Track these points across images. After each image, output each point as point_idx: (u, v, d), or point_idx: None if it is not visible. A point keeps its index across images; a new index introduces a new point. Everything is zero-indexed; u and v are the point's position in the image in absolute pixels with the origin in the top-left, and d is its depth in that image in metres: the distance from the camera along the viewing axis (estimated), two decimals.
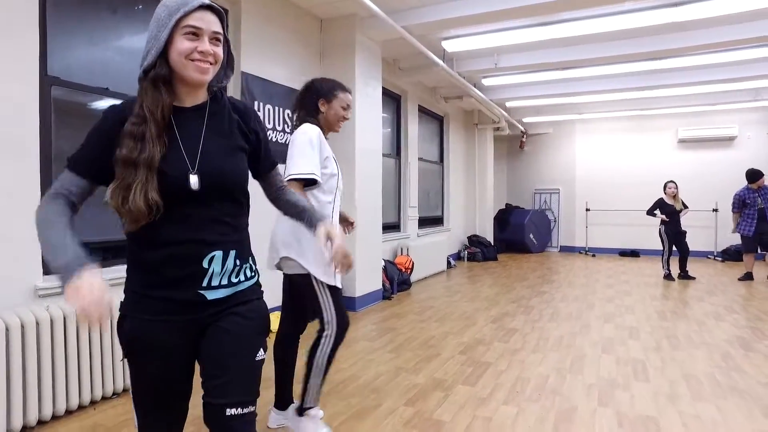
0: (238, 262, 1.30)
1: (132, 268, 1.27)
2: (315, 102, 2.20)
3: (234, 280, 1.30)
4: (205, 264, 1.24)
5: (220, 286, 1.27)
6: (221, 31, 1.24)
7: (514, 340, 3.78)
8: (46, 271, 2.59)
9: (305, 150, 2.04)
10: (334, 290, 2.16)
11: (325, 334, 2.14)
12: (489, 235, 9.43)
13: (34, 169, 2.55)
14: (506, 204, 10.76)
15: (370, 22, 4.76)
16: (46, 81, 2.68)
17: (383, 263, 5.56)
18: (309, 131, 2.09)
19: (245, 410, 1.22)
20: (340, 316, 2.16)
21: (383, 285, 5.39)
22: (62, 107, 2.79)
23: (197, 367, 1.31)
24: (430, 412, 2.52)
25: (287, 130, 4.46)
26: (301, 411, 2.20)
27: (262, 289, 1.39)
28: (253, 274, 1.37)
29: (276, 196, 1.51)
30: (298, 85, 4.36)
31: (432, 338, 3.83)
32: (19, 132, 2.49)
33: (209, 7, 1.22)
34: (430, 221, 7.99)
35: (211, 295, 1.25)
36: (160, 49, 1.19)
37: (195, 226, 1.23)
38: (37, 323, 2.34)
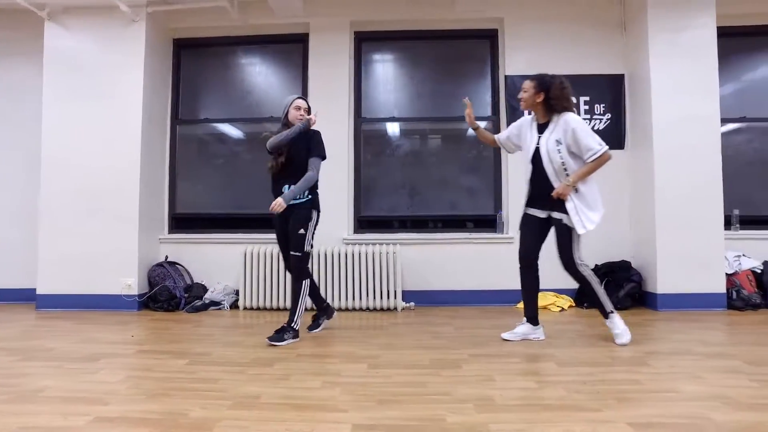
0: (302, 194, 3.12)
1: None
2: None
3: (295, 200, 3.09)
4: (283, 190, 3.08)
5: (295, 200, 3.09)
6: (307, 106, 3.22)
7: None
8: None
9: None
10: None
11: None
12: None
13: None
14: None
15: None
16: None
17: (740, 264, 4.13)
18: None
19: (297, 254, 3.07)
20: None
21: (738, 292, 4.02)
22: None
23: None
24: None
25: None
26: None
27: (309, 204, 3.13)
28: (305, 198, 3.11)
29: None
30: (585, 69, 4.61)
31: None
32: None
33: (301, 97, 3.23)
34: None
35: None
36: (285, 113, 3.21)
37: (284, 174, 3.11)
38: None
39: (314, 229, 3.17)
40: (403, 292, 4.33)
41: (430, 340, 3.14)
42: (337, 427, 1.76)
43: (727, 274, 4.08)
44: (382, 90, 4.89)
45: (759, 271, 4.15)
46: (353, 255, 4.31)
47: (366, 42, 4.85)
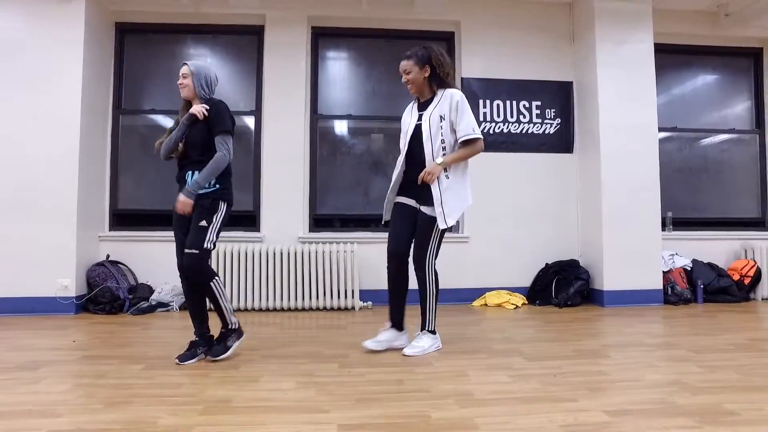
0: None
1: None
2: None
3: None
4: (187, 178, 2.54)
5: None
6: (188, 73, 2.56)
7: None
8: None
9: None
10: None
11: None
12: None
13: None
14: None
15: None
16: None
17: (674, 262, 4.47)
18: None
19: (194, 251, 2.46)
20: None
21: (672, 288, 4.34)
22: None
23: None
24: None
25: (523, 120, 4.70)
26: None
27: (215, 194, 2.52)
28: (211, 187, 2.52)
29: None
30: (537, 75, 4.73)
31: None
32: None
33: (185, 63, 2.60)
34: None
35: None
36: None
37: (188, 160, 2.57)
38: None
39: (220, 224, 2.54)
40: (360, 291, 4.29)
41: None
42: (322, 429, 1.69)
43: (663, 271, 4.39)
44: (339, 87, 4.83)
45: (689, 269, 4.51)
46: (309, 254, 4.21)
47: (323, 38, 4.77)
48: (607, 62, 4.43)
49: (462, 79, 4.66)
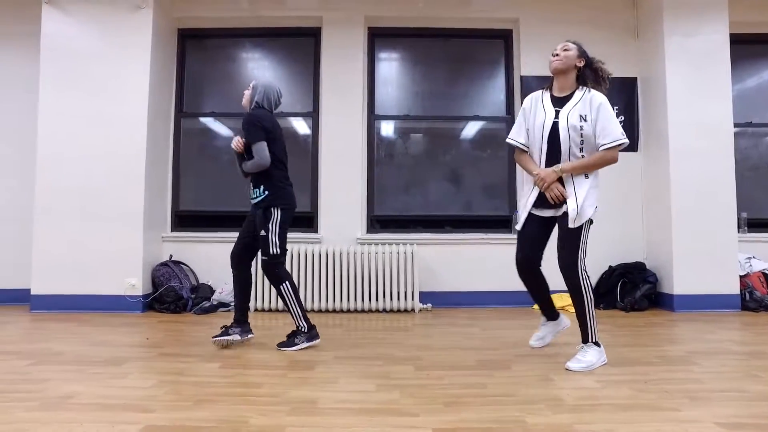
0: (258, 190, 2.79)
1: None
2: None
3: (254, 196, 2.81)
4: (250, 193, 2.84)
5: (253, 198, 2.81)
6: (250, 87, 2.86)
7: None
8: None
9: None
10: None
11: None
12: None
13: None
14: None
15: None
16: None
17: (751, 265, 4.20)
18: None
19: (264, 258, 2.75)
20: None
21: (751, 293, 4.09)
22: None
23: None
24: None
25: None
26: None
27: (265, 201, 2.74)
28: (261, 196, 2.75)
29: None
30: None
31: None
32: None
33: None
34: None
35: (252, 201, 2.83)
36: None
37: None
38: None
39: (279, 228, 2.73)
40: (420, 293, 4.23)
41: (465, 341, 3.05)
42: None
43: (739, 275, 4.14)
44: (396, 87, 4.80)
45: None
46: (368, 255, 4.19)
47: (379, 38, 4.75)
48: (676, 56, 4.22)
49: (521, 77, 4.56)
